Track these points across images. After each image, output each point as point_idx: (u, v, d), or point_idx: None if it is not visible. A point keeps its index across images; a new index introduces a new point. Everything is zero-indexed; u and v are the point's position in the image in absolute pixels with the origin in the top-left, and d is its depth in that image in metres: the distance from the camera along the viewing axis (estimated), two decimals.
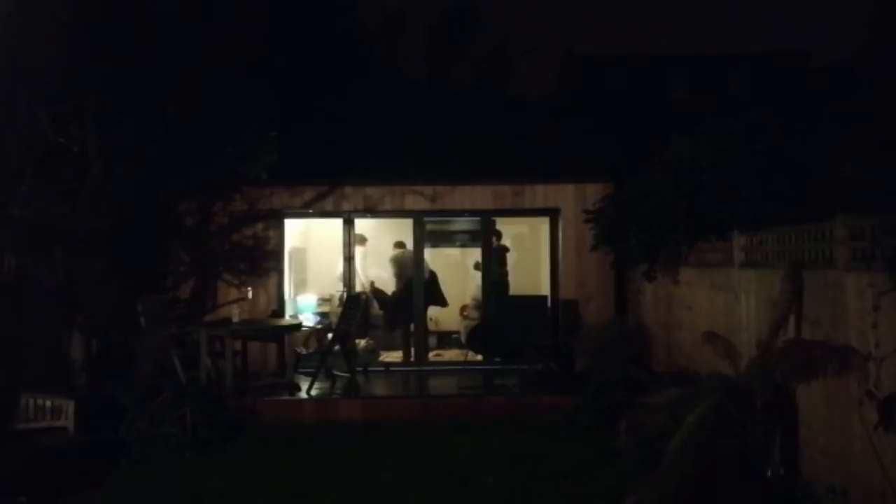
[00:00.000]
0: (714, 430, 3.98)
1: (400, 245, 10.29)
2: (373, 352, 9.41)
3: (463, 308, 10.94)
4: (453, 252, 11.49)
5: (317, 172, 9.45)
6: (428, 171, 9.53)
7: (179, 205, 8.84)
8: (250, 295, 9.09)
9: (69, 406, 5.70)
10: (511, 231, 11.12)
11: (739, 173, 5.80)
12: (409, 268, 9.78)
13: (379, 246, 10.63)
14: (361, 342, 9.25)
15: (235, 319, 8.12)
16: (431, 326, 10.32)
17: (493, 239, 9.98)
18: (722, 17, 41.51)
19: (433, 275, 9.95)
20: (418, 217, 9.69)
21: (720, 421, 4.01)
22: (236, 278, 9.22)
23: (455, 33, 20.69)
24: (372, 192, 9.56)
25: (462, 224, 11.03)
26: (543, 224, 10.06)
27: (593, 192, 9.11)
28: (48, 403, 5.72)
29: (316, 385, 8.03)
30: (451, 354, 10.16)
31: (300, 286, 10.66)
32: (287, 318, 9.33)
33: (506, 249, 10.45)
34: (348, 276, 9.71)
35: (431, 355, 9.94)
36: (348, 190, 9.54)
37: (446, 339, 10.74)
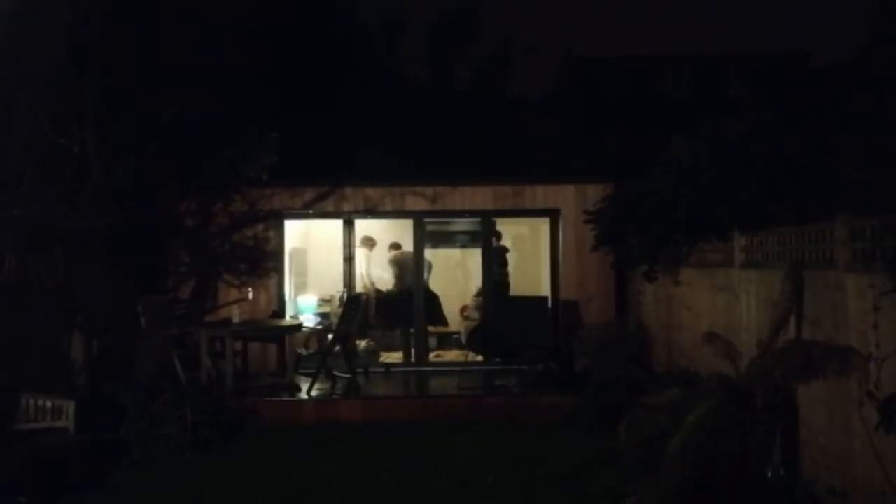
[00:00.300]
0: (714, 430, 3.98)
1: (396, 246, 10.28)
2: (373, 352, 9.41)
3: (463, 308, 10.94)
4: (453, 253, 11.49)
5: (317, 173, 9.45)
6: (428, 171, 9.53)
7: (180, 205, 8.85)
8: (251, 295, 9.09)
9: (69, 406, 5.70)
10: (511, 232, 11.12)
11: (740, 173, 5.81)
12: (409, 268, 9.77)
13: (379, 246, 10.62)
14: (362, 343, 9.25)
15: (236, 320, 8.12)
16: (431, 328, 10.32)
17: (493, 239, 9.98)
18: (722, 17, 41.53)
19: (435, 296, 9.94)
20: (418, 218, 9.69)
21: (720, 421, 4.01)
22: (237, 279, 9.22)
23: (455, 33, 20.66)
24: (372, 192, 9.56)
25: (462, 225, 11.03)
26: (544, 224, 10.06)
27: (593, 193, 9.11)
28: (48, 404, 5.71)
29: (316, 386, 8.04)
30: (452, 355, 10.16)
31: (300, 287, 10.67)
32: (287, 319, 9.33)
33: (505, 250, 10.45)
34: (349, 276, 9.72)
35: (432, 356, 9.94)
36: (348, 190, 9.54)
37: (446, 339, 10.73)
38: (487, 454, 6.25)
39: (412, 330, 9.66)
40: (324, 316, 10.23)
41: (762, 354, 4.39)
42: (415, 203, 9.58)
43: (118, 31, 6.78)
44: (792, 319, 4.51)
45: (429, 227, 10.10)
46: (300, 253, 10.80)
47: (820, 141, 5.78)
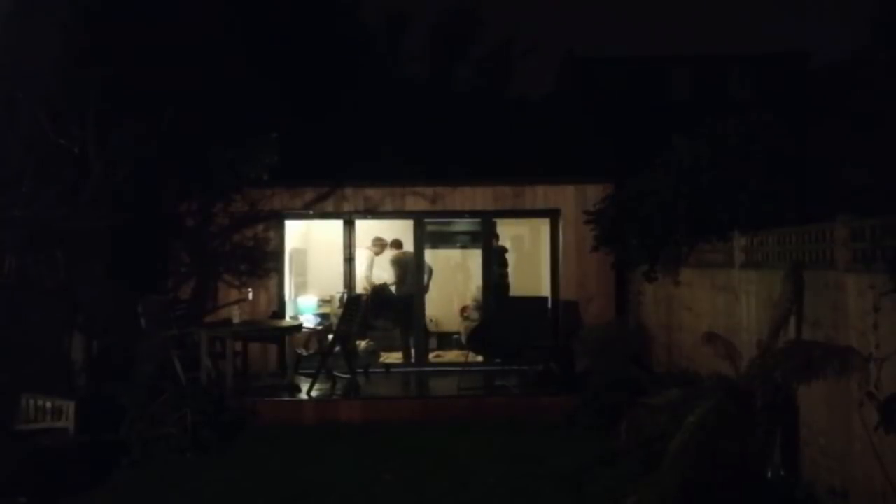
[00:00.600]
0: (714, 430, 3.97)
1: (397, 245, 10.26)
2: (373, 353, 9.41)
3: (463, 309, 10.94)
4: (453, 253, 11.49)
5: (317, 173, 9.45)
6: (428, 172, 9.53)
7: (180, 205, 8.85)
8: (251, 296, 9.09)
9: (70, 407, 5.69)
10: (511, 232, 11.12)
11: (740, 174, 5.81)
12: (411, 270, 9.76)
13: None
14: (362, 343, 9.24)
15: (236, 320, 8.13)
16: (431, 327, 10.32)
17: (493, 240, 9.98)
18: (722, 17, 41.53)
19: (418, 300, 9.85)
20: (419, 218, 9.69)
21: (721, 422, 4.00)
22: (237, 279, 9.21)
23: (456, 34, 20.65)
24: (372, 193, 9.56)
25: (462, 225, 11.03)
26: (544, 225, 10.06)
27: (593, 193, 9.11)
28: (49, 404, 5.71)
29: (316, 386, 8.03)
30: (452, 355, 10.15)
31: (301, 287, 10.66)
32: (287, 319, 9.33)
33: (504, 250, 10.44)
34: (349, 276, 9.72)
35: (432, 356, 9.94)
36: (349, 191, 9.54)
37: (446, 340, 10.73)
38: (487, 454, 6.25)
39: (412, 330, 9.65)
40: (324, 316, 10.23)
41: (762, 355, 4.39)
42: (415, 203, 9.57)
43: (118, 31, 6.78)
44: (792, 320, 4.51)
45: (429, 228, 10.11)
46: (300, 253, 10.80)
47: (820, 141, 5.79)
